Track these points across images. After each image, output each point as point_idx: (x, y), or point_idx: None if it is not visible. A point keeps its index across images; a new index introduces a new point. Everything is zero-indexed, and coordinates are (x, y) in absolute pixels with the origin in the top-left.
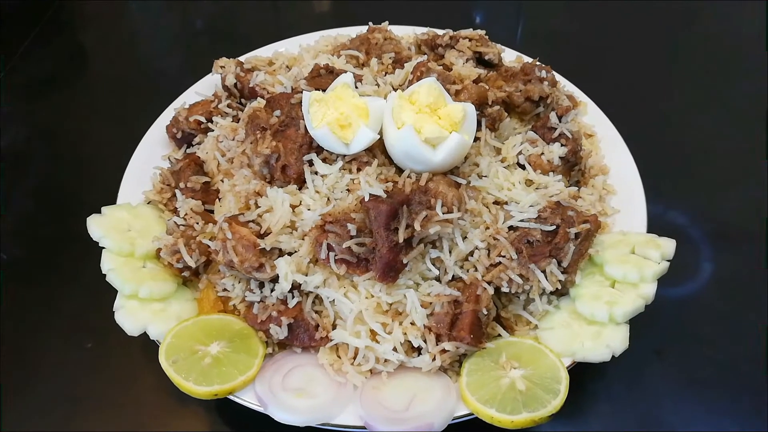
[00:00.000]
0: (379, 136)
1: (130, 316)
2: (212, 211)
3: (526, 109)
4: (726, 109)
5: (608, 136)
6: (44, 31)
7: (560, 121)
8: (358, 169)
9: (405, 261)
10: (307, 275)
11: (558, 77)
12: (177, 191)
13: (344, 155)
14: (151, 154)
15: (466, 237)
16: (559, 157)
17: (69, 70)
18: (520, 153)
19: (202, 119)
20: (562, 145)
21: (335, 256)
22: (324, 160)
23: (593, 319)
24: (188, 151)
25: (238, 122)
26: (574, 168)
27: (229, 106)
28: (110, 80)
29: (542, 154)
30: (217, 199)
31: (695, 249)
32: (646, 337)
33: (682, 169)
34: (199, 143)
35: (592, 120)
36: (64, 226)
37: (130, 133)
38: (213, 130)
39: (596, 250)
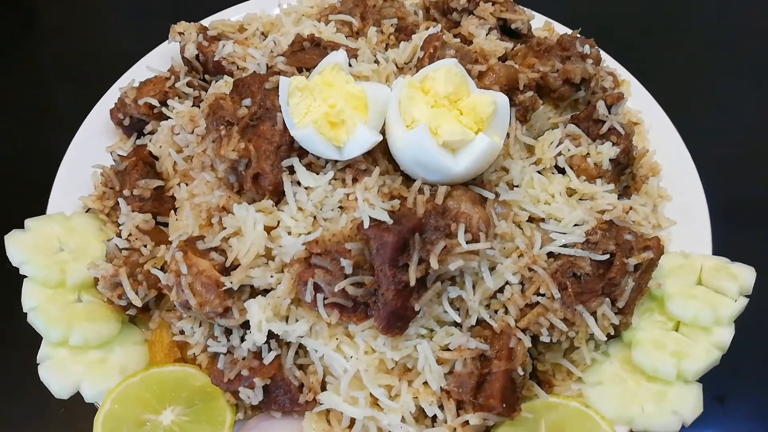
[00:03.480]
0: (381, 137)
1: (58, 372)
2: (167, 224)
3: (563, 94)
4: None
5: (657, 124)
6: None
7: (610, 112)
8: (354, 180)
9: (417, 308)
10: (287, 322)
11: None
12: (121, 200)
13: (336, 161)
14: (93, 147)
15: (494, 269)
16: (609, 160)
17: (14, 36)
18: (559, 154)
19: (155, 102)
20: (613, 143)
21: (325, 298)
22: (309, 167)
23: (655, 375)
24: (138, 142)
25: (200, 106)
26: (624, 171)
27: (188, 84)
28: (61, 49)
29: (587, 155)
30: (173, 211)
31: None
32: (703, 380)
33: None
34: (152, 132)
35: (637, 103)
36: None
37: (80, 115)
38: (168, 118)
39: (657, 283)
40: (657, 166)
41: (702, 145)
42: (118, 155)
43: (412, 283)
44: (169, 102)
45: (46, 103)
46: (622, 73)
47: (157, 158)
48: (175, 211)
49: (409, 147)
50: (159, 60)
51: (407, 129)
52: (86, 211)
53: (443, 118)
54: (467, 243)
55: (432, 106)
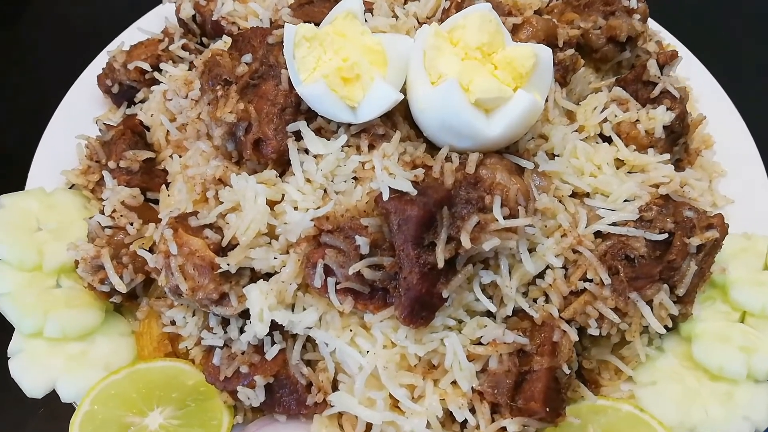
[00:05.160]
0: (402, 96)
1: (32, 366)
2: (158, 202)
3: (606, 55)
4: None
5: (708, 93)
6: None
7: (662, 73)
8: (371, 147)
9: (445, 294)
10: (293, 310)
11: None
12: (105, 173)
13: (349, 124)
14: (79, 117)
15: (533, 250)
16: (663, 127)
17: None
18: (605, 120)
19: (146, 66)
20: (667, 108)
21: (337, 283)
22: (318, 132)
23: (720, 373)
24: (128, 112)
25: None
26: (678, 141)
27: (184, 47)
28: (48, 12)
29: (637, 121)
30: (164, 186)
31: None
32: None
33: None
34: (143, 101)
35: (684, 70)
36: None
37: (66, 83)
38: (161, 83)
39: (722, 267)
40: (709, 138)
41: (759, 116)
42: (104, 124)
43: (440, 264)
44: (162, 66)
45: (29, 69)
46: (666, 36)
47: (148, 128)
48: (167, 186)
49: (435, 107)
50: (153, 24)
51: (433, 86)
52: (70, 188)
53: (476, 72)
54: (504, 218)
55: (462, 59)
